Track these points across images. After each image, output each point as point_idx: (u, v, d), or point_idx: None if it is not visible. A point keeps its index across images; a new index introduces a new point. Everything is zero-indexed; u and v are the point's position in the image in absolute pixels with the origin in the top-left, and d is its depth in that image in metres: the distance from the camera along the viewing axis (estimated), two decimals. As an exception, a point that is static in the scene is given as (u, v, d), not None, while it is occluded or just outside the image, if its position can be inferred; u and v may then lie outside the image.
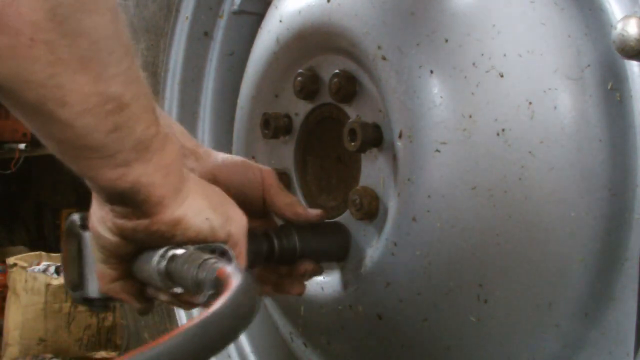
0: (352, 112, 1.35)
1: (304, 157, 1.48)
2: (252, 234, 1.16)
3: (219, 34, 1.87)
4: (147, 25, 1.92)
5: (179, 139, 1.24)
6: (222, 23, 1.86)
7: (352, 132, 1.29)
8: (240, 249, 1.05)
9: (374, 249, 1.31)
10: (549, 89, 1.18)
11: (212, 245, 1.01)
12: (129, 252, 1.03)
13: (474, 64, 1.20)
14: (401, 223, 1.25)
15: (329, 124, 1.41)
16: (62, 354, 3.56)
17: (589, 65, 1.17)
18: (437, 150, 1.20)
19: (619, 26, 1.08)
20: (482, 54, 1.20)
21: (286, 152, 1.49)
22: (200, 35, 1.87)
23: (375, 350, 1.36)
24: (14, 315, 3.56)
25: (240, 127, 1.60)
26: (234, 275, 0.85)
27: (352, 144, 1.29)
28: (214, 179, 1.24)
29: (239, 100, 1.62)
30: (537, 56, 1.19)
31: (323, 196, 1.45)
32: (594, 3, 1.18)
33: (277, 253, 1.27)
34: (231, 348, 1.85)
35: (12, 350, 3.52)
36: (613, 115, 1.16)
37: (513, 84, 1.19)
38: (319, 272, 1.33)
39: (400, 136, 1.24)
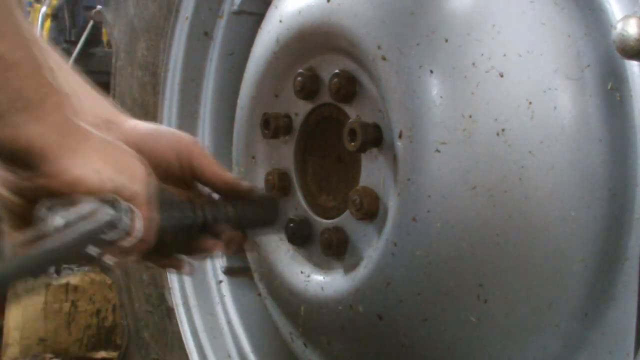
0: (352, 112, 1.35)
1: (304, 157, 1.48)
2: (174, 202, 1.16)
3: (219, 34, 1.86)
4: (147, 26, 1.92)
5: (98, 109, 1.23)
6: (222, 23, 1.86)
7: (352, 132, 1.29)
8: (148, 208, 1.03)
9: (374, 249, 1.31)
10: (549, 89, 1.18)
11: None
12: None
13: (473, 64, 1.20)
14: (401, 223, 1.25)
15: (329, 124, 1.41)
16: (62, 354, 3.56)
17: (588, 65, 1.17)
18: (437, 150, 1.20)
19: (619, 26, 1.08)
20: (482, 54, 1.20)
21: (286, 152, 1.49)
22: (200, 36, 1.87)
23: (376, 350, 1.36)
24: (14, 315, 3.56)
25: (240, 127, 1.60)
26: None
27: (352, 144, 1.29)
28: (138, 148, 1.19)
29: (239, 100, 1.61)
30: (537, 56, 1.19)
31: (323, 196, 1.45)
32: (594, 3, 1.18)
33: (201, 221, 1.22)
34: (231, 347, 1.86)
35: (12, 350, 3.51)
36: (613, 115, 1.16)
37: (513, 83, 1.19)
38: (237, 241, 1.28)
39: (400, 136, 1.24)
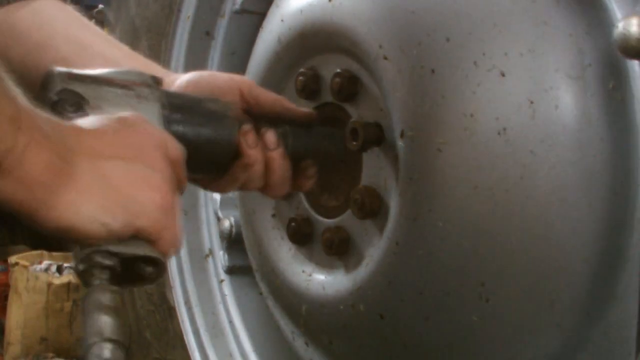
0: (354, 112, 1.35)
1: (305, 156, 1.48)
2: (241, 123, 1.14)
3: (220, 34, 1.87)
4: (149, 25, 1.93)
5: (144, 69, 1.18)
6: (223, 22, 1.86)
7: (354, 132, 1.29)
8: (157, 238, 0.92)
9: (375, 248, 1.31)
10: (551, 88, 1.18)
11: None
12: None
13: (475, 63, 1.20)
14: (403, 222, 1.25)
15: (330, 124, 1.41)
16: (64, 353, 3.56)
17: (590, 65, 1.17)
18: (439, 150, 1.20)
19: (621, 25, 1.07)
20: (484, 53, 1.20)
21: (288, 152, 1.49)
22: (202, 35, 1.87)
23: (377, 349, 1.36)
24: (16, 314, 3.56)
25: (241, 126, 1.60)
26: None
27: (354, 143, 1.29)
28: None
29: (240, 100, 1.61)
30: (539, 55, 1.19)
31: (325, 195, 1.45)
32: (595, 2, 1.18)
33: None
34: (233, 346, 1.86)
35: (14, 349, 3.52)
36: (614, 115, 1.16)
37: (514, 83, 1.19)
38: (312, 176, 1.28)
39: (401, 135, 1.24)
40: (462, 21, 1.22)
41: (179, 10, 1.86)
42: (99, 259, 0.88)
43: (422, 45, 1.24)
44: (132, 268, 0.91)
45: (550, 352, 1.24)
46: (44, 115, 0.88)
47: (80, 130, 0.91)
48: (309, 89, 1.41)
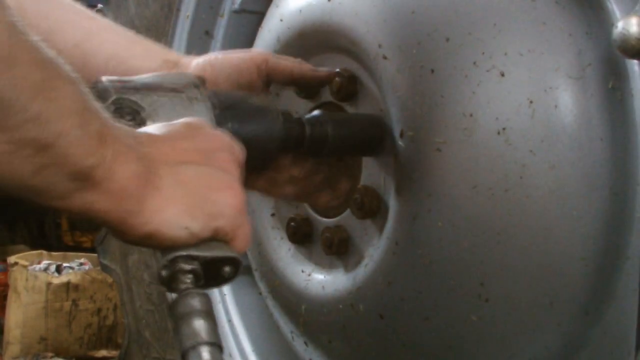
0: (353, 111, 1.35)
1: (305, 156, 1.48)
2: (284, 115, 1.13)
3: (219, 33, 1.86)
4: (148, 25, 1.92)
5: (152, 53, 1.22)
6: (222, 22, 1.86)
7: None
8: (233, 236, 0.95)
9: (375, 248, 1.31)
10: (550, 87, 1.18)
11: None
12: None
13: (474, 63, 1.20)
14: (402, 222, 1.25)
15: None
16: (63, 353, 3.56)
17: (590, 64, 1.17)
18: (438, 149, 1.20)
19: (620, 25, 1.07)
20: (483, 53, 1.20)
21: (287, 151, 1.49)
22: (201, 34, 1.87)
23: (377, 349, 1.36)
24: (15, 313, 3.56)
25: (241, 126, 1.60)
26: None
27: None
28: (212, 77, 1.22)
29: (240, 99, 1.61)
30: (538, 55, 1.19)
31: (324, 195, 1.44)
32: (595, 2, 1.18)
33: (308, 138, 1.22)
34: (232, 346, 1.85)
35: (13, 348, 3.52)
36: (614, 114, 1.16)
37: (514, 82, 1.19)
38: None
39: (401, 135, 1.24)
40: (462, 21, 1.22)
41: (178, 10, 1.86)
42: (181, 264, 0.90)
43: (422, 45, 1.24)
44: (212, 269, 0.93)
45: (549, 351, 1.24)
46: (121, 125, 0.90)
47: (157, 138, 0.94)
48: (309, 89, 1.41)
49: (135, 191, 0.87)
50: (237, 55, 1.29)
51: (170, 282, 0.91)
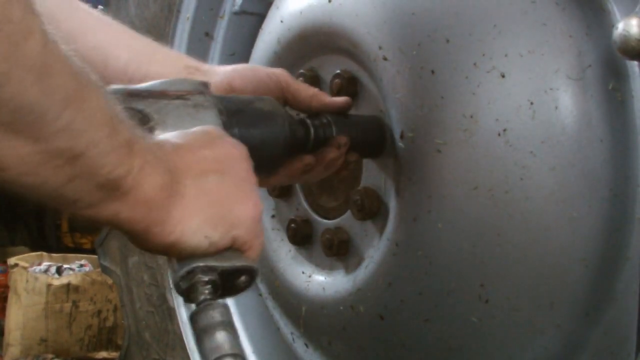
0: (354, 113, 1.35)
1: (305, 157, 1.48)
2: (288, 118, 1.14)
3: (220, 35, 1.86)
4: (148, 26, 1.93)
5: (172, 59, 1.22)
6: (223, 23, 1.86)
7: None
8: (250, 246, 0.97)
9: (375, 249, 1.31)
10: (550, 89, 1.18)
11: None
12: None
13: (475, 64, 1.20)
14: (402, 223, 1.25)
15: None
16: (63, 354, 3.56)
17: (590, 66, 1.17)
18: (438, 151, 1.20)
19: (621, 26, 1.07)
20: (484, 54, 1.20)
21: (287, 153, 1.49)
22: (201, 36, 1.87)
23: (377, 350, 1.36)
24: (15, 315, 3.56)
25: (241, 127, 1.60)
26: None
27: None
28: (231, 88, 1.22)
29: (240, 101, 1.61)
30: (539, 56, 1.19)
31: (324, 197, 1.45)
32: (595, 3, 1.18)
33: (313, 140, 1.23)
34: (232, 348, 1.85)
35: (14, 350, 3.52)
36: (614, 115, 1.16)
37: (514, 84, 1.19)
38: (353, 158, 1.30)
39: (401, 136, 1.25)
40: (462, 22, 1.23)
41: (179, 11, 1.86)
42: (200, 275, 0.91)
43: (422, 46, 1.24)
44: (229, 279, 0.94)
45: (549, 352, 1.24)
46: (145, 134, 0.91)
47: (179, 146, 0.94)
48: (309, 90, 1.41)
49: (161, 201, 0.88)
50: (265, 71, 1.30)
51: (189, 293, 0.91)
